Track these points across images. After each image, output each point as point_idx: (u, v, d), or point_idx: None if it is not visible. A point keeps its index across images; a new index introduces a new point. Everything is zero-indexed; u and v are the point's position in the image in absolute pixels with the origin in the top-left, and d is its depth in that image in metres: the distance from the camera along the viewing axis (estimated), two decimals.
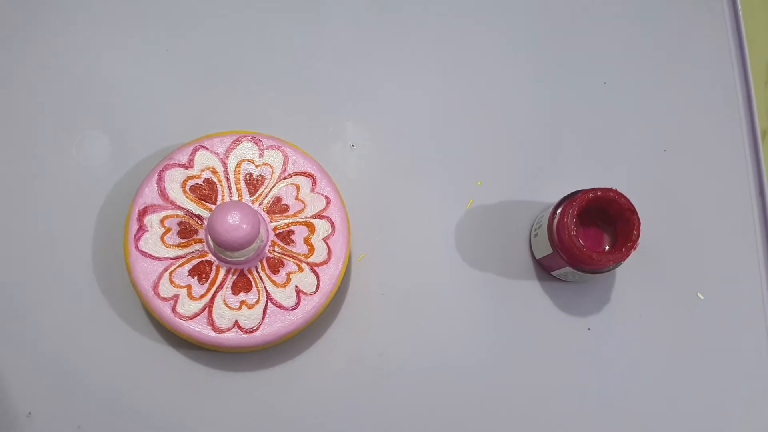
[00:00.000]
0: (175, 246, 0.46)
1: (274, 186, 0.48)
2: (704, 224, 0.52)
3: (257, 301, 0.46)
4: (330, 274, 0.46)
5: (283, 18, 0.54)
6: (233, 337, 0.45)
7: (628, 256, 0.45)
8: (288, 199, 0.48)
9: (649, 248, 0.50)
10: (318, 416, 0.48)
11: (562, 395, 0.49)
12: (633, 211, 0.45)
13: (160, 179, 0.47)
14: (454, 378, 0.49)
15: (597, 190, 0.45)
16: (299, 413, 0.48)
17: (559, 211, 0.47)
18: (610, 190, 0.45)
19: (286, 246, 0.47)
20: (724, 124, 0.54)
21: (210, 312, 0.45)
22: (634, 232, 0.45)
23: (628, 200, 0.45)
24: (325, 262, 0.47)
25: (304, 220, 0.47)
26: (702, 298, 0.51)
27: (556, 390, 0.49)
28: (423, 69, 0.54)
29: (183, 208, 0.47)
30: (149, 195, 0.47)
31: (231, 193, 0.47)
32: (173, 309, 0.45)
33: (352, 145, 0.53)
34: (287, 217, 0.47)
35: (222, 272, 0.46)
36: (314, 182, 0.48)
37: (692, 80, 0.55)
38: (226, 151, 0.48)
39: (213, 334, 0.45)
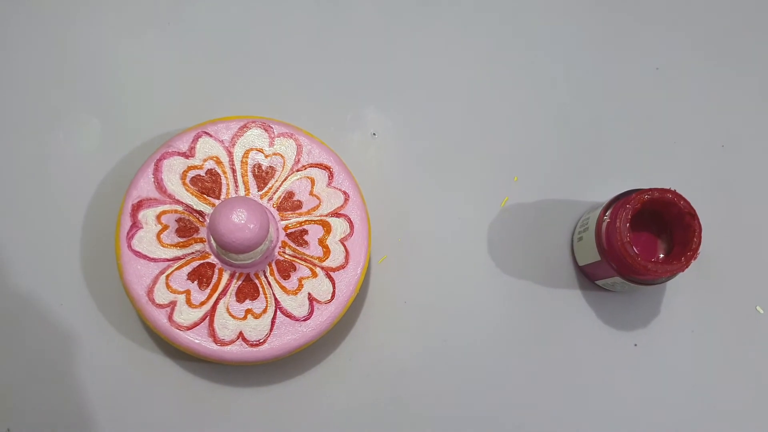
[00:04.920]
0: (173, 246, 0.45)
1: (285, 179, 0.46)
2: (764, 229, 0.51)
3: (265, 310, 0.45)
4: (347, 281, 0.45)
5: None
6: (237, 350, 0.44)
7: (687, 266, 0.43)
8: (301, 195, 0.46)
9: (703, 256, 0.48)
10: None
11: (605, 416, 0.48)
12: (693, 216, 0.43)
13: (157, 169, 0.46)
14: (485, 399, 0.48)
15: (654, 191, 0.43)
16: None
17: (608, 213, 0.45)
18: (668, 191, 0.43)
19: (298, 248, 0.46)
20: None
21: (211, 321, 0.44)
22: (695, 239, 0.43)
23: (688, 203, 0.43)
24: (342, 267, 0.45)
25: (319, 218, 0.46)
26: (762, 312, 0.49)
27: (598, 411, 0.48)
28: (454, 49, 0.52)
29: (182, 202, 0.46)
30: (144, 187, 0.46)
31: (237, 186, 0.46)
32: (170, 317, 0.44)
33: (374, 134, 0.51)
34: (300, 214, 0.46)
35: (225, 276, 0.45)
36: (331, 175, 0.47)
37: (755, 67, 0.53)
38: (232, 138, 0.47)
39: (214, 346, 0.44)
